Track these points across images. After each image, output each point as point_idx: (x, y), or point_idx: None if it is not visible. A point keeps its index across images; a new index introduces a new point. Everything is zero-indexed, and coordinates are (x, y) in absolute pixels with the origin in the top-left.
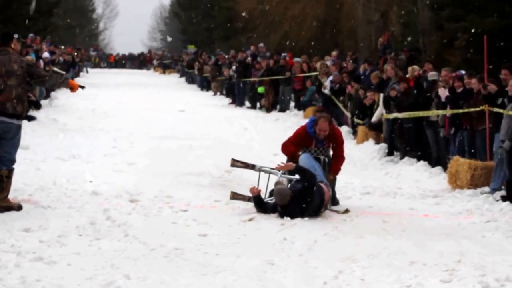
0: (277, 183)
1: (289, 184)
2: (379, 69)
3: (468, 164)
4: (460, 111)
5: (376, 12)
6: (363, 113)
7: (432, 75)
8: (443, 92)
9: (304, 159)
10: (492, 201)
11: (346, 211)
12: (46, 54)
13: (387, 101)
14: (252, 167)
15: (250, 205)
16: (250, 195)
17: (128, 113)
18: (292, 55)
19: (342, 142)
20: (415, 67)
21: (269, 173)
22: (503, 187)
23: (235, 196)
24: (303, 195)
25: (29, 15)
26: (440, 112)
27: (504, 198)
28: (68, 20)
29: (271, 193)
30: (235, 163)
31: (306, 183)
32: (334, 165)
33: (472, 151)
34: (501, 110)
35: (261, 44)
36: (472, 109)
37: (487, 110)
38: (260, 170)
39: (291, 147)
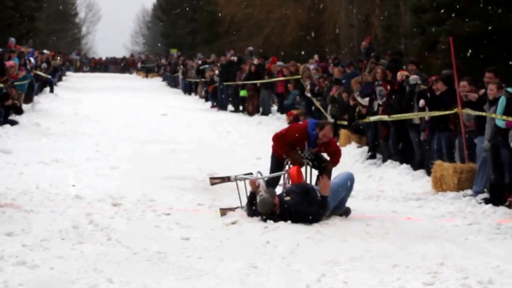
0: (267, 191)
1: (287, 196)
2: (361, 72)
3: (453, 168)
4: (436, 113)
5: (358, 16)
6: (348, 116)
7: (413, 79)
8: (422, 102)
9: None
10: (474, 203)
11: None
12: (31, 60)
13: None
14: (228, 179)
15: (233, 208)
16: (230, 177)
17: (111, 117)
18: (276, 60)
19: (338, 150)
20: (404, 72)
21: (245, 179)
22: (485, 190)
23: (213, 181)
24: (298, 215)
25: (12, 19)
26: (419, 114)
27: (486, 201)
28: (51, 24)
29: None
30: (213, 181)
31: (313, 212)
32: (333, 160)
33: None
34: (473, 112)
35: (250, 48)
36: (447, 112)
37: (461, 112)
38: (236, 179)
39: (288, 148)
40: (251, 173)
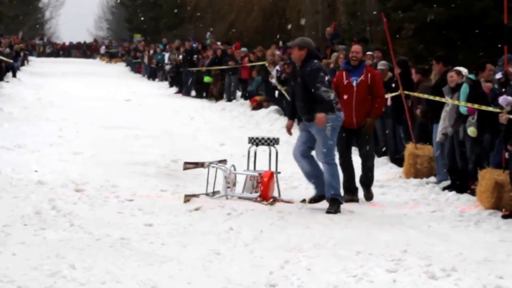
0: None
1: None
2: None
3: (410, 152)
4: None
5: (323, 2)
6: None
7: (381, 64)
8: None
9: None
10: (438, 191)
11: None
12: None
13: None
14: (201, 165)
15: (197, 194)
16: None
17: (74, 102)
18: (240, 45)
19: (380, 81)
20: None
21: (218, 168)
22: (449, 177)
23: (186, 166)
24: None
25: None
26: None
27: (449, 188)
28: (14, 9)
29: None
30: (187, 165)
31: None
32: (374, 106)
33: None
34: (416, 94)
35: (208, 33)
36: (390, 95)
37: (403, 94)
38: (209, 166)
39: None
40: (225, 160)
